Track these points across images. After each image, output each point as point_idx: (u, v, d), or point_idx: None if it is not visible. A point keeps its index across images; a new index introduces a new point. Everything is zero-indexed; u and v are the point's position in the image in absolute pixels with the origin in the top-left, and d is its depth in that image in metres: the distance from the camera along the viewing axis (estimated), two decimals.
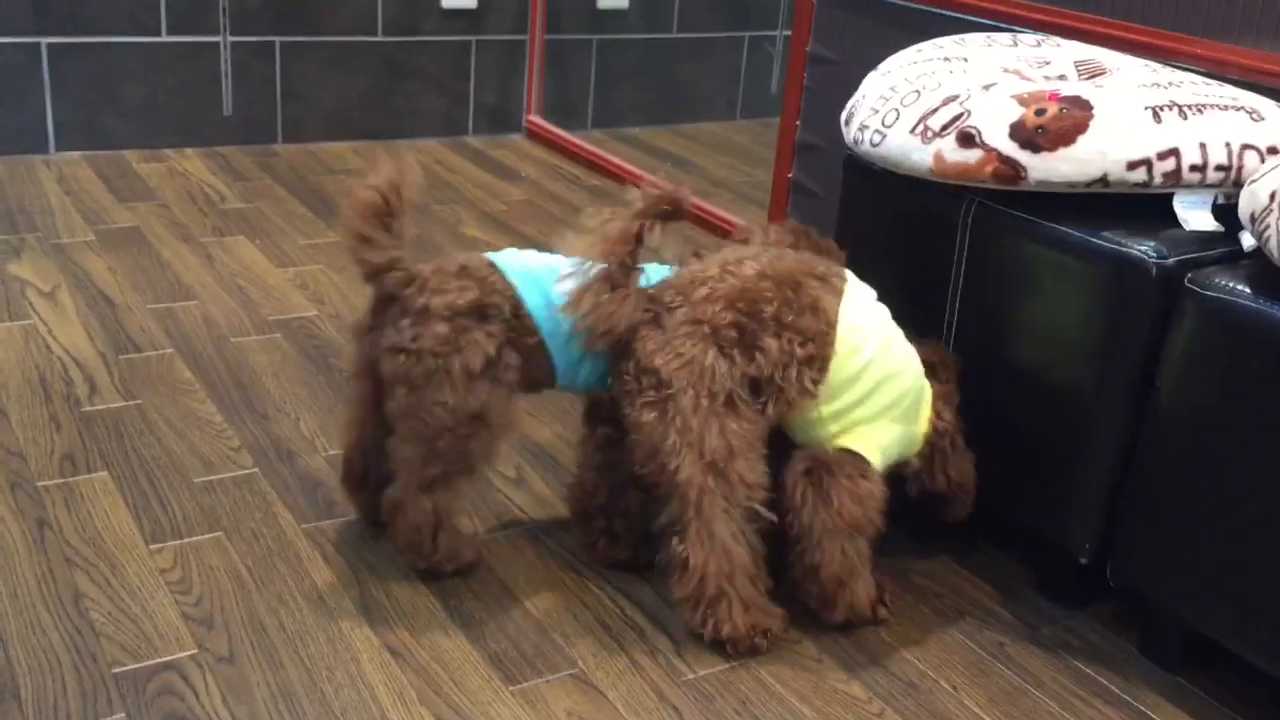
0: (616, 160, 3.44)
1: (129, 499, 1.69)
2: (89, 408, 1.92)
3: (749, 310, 1.46)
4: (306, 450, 1.86)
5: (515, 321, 1.51)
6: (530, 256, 1.59)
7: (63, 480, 1.72)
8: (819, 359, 1.48)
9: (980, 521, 1.77)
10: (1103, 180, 1.53)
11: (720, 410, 1.43)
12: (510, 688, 1.41)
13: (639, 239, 1.45)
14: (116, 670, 1.37)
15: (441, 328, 1.46)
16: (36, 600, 1.47)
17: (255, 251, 2.60)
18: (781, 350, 1.46)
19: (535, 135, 3.69)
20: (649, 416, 1.44)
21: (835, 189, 1.87)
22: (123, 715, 1.31)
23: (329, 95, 3.40)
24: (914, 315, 1.73)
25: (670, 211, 1.47)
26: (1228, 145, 1.54)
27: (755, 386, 1.48)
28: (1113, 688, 1.51)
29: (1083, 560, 1.58)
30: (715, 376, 1.43)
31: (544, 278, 1.54)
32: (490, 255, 1.58)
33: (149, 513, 1.67)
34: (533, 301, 1.52)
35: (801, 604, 1.57)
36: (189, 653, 1.41)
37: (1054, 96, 1.56)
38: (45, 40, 3.00)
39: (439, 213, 2.96)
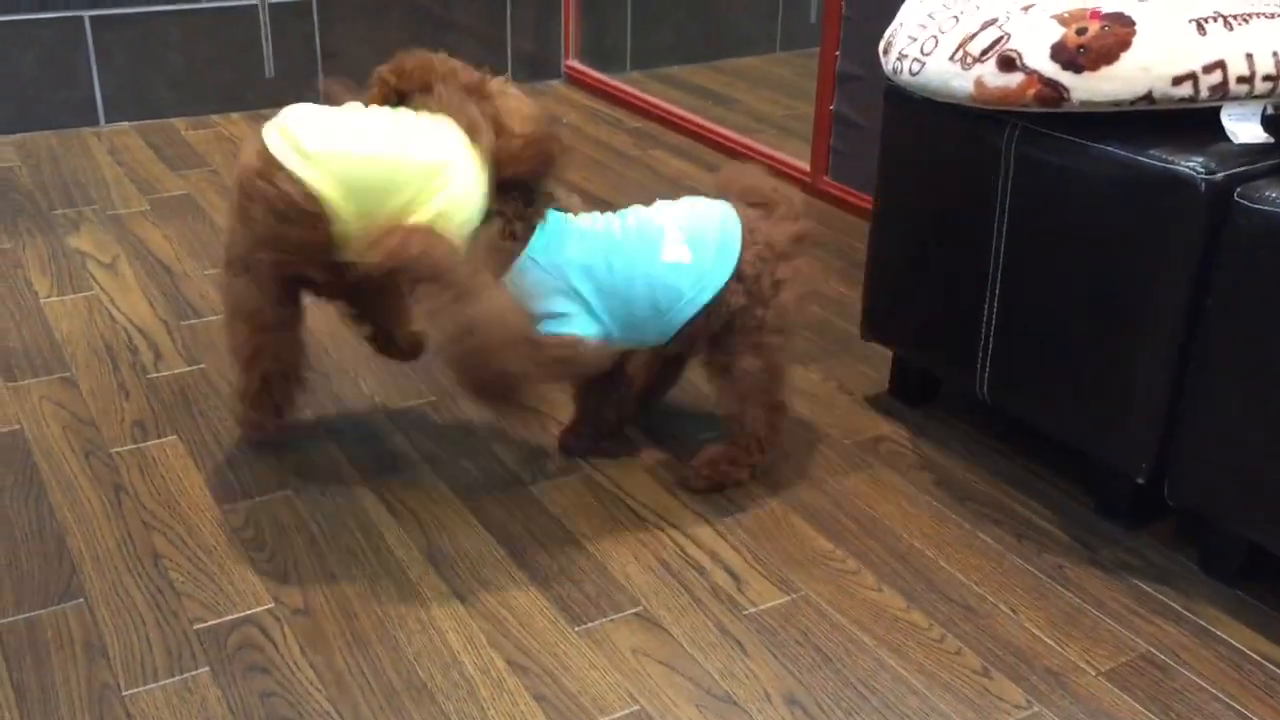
0: (657, 101, 3.42)
1: (200, 461, 1.75)
2: (155, 374, 1.97)
3: None
4: (368, 407, 1.90)
5: None
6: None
7: (135, 446, 1.78)
8: None
9: (1035, 444, 1.78)
10: (1148, 97, 1.51)
11: None
12: (576, 628, 1.45)
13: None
14: (198, 626, 1.43)
15: None
16: (118, 563, 1.53)
17: None
18: None
19: (574, 80, 3.69)
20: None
21: (878, 119, 1.86)
22: (207, 668, 1.36)
23: (367, 51, 3.42)
24: (960, 244, 1.72)
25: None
26: (1275, 54, 1.51)
27: None
28: (1173, 605, 1.52)
29: (1139, 480, 1.58)
30: None
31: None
32: None
33: (219, 474, 1.72)
34: None
35: (854, 532, 1.60)
36: (266, 607, 1.46)
37: (1095, 14, 1.53)
38: (88, 14, 3.04)
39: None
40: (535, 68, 3.67)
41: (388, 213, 1.50)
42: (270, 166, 1.52)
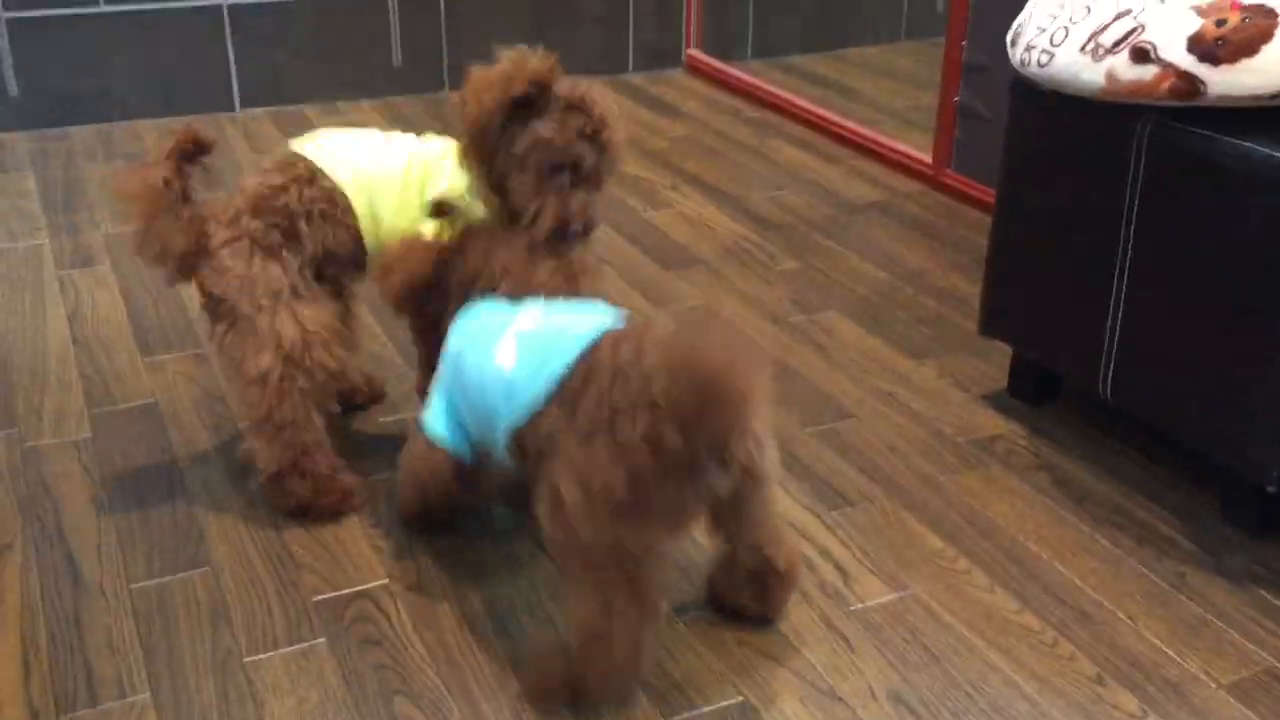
0: (777, 91, 3.40)
1: None
2: None
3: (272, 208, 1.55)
4: None
5: None
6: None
7: None
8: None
9: (1159, 447, 1.73)
10: None
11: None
12: (682, 617, 1.46)
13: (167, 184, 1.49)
14: (316, 598, 1.47)
15: None
16: (243, 533, 1.59)
17: None
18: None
19: (695, 69, 3.68)
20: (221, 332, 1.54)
21: (1004, 111, 1.82)
22: (324, 639, 1.41)
23: (490, 40, 3.45)
24: (1086, 240, 1.68)
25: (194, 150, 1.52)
26: None
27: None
28: None
29: (1270, 488, 1.52)
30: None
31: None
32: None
33: (341, 450, 1.76)
34: None
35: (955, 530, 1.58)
36: (381, 582, 1.50)
37: (1235, 5, 1.48)
38: (227, 3, 3.14)
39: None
40: (657, 57, 3.68)
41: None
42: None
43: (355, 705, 1.32)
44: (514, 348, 1.33)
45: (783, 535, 1.40)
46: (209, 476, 1.70)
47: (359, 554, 1.55)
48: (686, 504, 1.21)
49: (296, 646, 1.40)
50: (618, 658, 1.25)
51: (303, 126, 3.14)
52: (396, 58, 3.37)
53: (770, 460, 1.27)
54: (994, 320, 1.90)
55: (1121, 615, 1.47)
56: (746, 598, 1.42)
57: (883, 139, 3.01)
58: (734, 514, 1.32)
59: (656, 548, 1.24)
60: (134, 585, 1.49)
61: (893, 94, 3.54)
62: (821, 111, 3.22)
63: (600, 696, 1.30)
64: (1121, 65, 1.53)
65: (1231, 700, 1.35)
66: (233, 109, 3.24)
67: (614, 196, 2.70)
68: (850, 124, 3.13)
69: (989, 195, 2.40)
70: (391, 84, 3.39)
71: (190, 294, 2.21)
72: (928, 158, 2.82)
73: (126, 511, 1.63)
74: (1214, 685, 1.37)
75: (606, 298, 1.47)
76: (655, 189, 2.78)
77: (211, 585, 1.49)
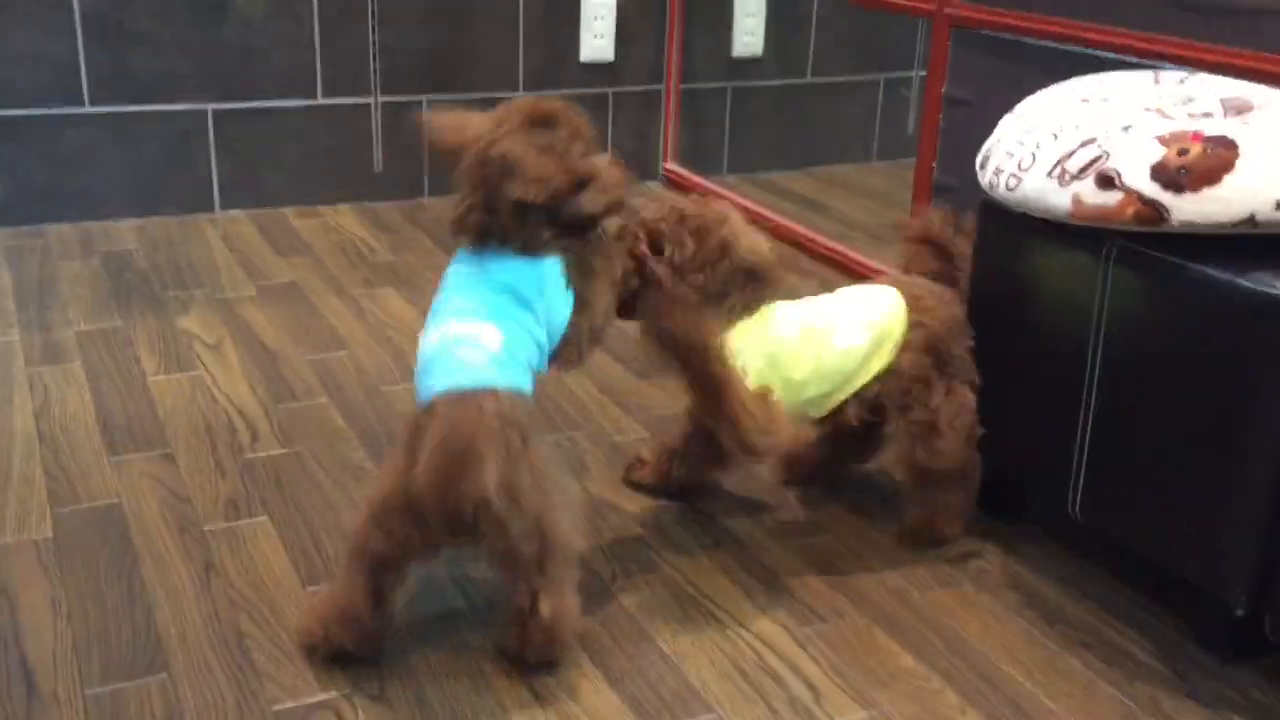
0: (753, 205, 3.46)
1: (288, 543, 1.78)
2: (251, 455, 2.02)
3: None
4: None
5: None
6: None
7: (227, 524, 1.82)
8: None
9: (1130, 567, 1.73)
10: (1250, 220, 1.49)
11: None
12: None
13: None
14: (277, 708, 1.44)
15: None
16: (204, 640, 1.55)
17: (403, 302, 2.71)
18: None
19: (673, 182, 3.75)
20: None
21: (973, 232, 1.86)
22: None
23: None
24: (1054, 360, 1.70)
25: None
26: None
27: None
28: None
29: (1239, 612, 1.52)
30: None
31: None
32: None
33: (306, 556, 1.75)
34: None
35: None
36: (343, 693, 1.47)
37: (1197, 136, 1.53)
38: (211, 106, 3.19)
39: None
40: (635, 169, 3.74)
41: None
42: None
43: None
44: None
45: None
46: (171, 580, 1.67)
47: (322, 663, 1.52)
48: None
49: None
50: None
51: (282, 229, 3.17)
52: (378, 163, 3.42)
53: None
54: None
55: None
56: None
57: (855, 254, 3.06)
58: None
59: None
60: (88, 691, 1.45)
61: (865, 211, 3.61)
62: (795, 226, 3.28)
63: None
64: (1087, 190, 1.57)
65: None
66: (213, 209, 3.27)
67: None
68: (822, 238, 3.18)
69: None
70: (372, 189, 3.43)
71: (160, 393, 2.20)
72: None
73: (85, 614, 1.59)
74: None
75: None
76: None
77: (168, 693, 1.46)
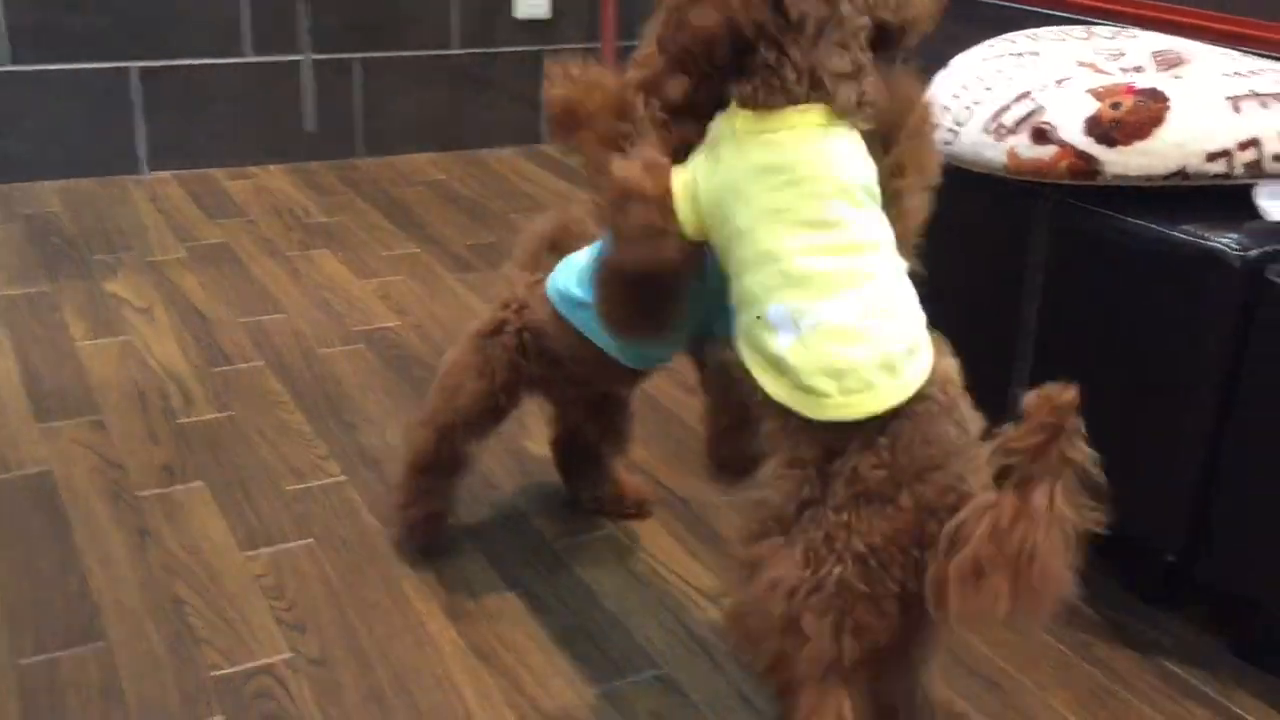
0: None
1: (224, 508, 1.75)
2: (184, 420, 1.99)
3: None
4: (392, 458, 1.90)
5: None
6: None
7: (161, 491, 1.79)
8: None
9: None
10: (1181, 173, 1.51)
11: None
12: (594, 689, 1.43)
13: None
14: (215, 673, 1.42)
15: None
16: (139, 607, 1.53)
17: (338, 264, 2.67)
18: None
19: None
20: None
21: None
22: (221, 717, 1.36)
23: (407, 108, 3.47)
24: (992, 313, 1.72)
25: None
26: None
27: None
28: (1204, 688, 1.49)
29: (1171, 559, 1.56)
30: None
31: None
32: None
33: (243, 521, 1.72)
34: None
35: None
36: (283, 656, 1.46)
37: (1129, 89, 1.54)
38: (136, 64, 3.11)
39: (517, 222, 3.00)
40: None
41: None
42: None
43: None
44: None
45: None
46: (105, 548, 1.64)
47: (261, 627, 1.50)
48: None
49: None
50: None
51: (212, 190, 3.10)
52: (310, 122, 3.35)
53: None
54: None
55: (1029, 683, 1.49)
56: None
57: None
58: None
59: None
60: (21, 661, 1.42)
61: None
62: None
63: None
64: (1023, 145, 1.58)
65: None
66: (140, 171, 3.19)
67: None
68: None
69: None
70: (305, 149, 3.37)
71: (89, 358, 2.15)
72: None
73: (17, 584, 1.56)
74: None
75: None
76: None
77: (104, 661, 1.43)
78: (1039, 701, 1.46)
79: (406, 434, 1.66)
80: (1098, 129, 1.52)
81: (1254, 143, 1.49)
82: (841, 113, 1.12)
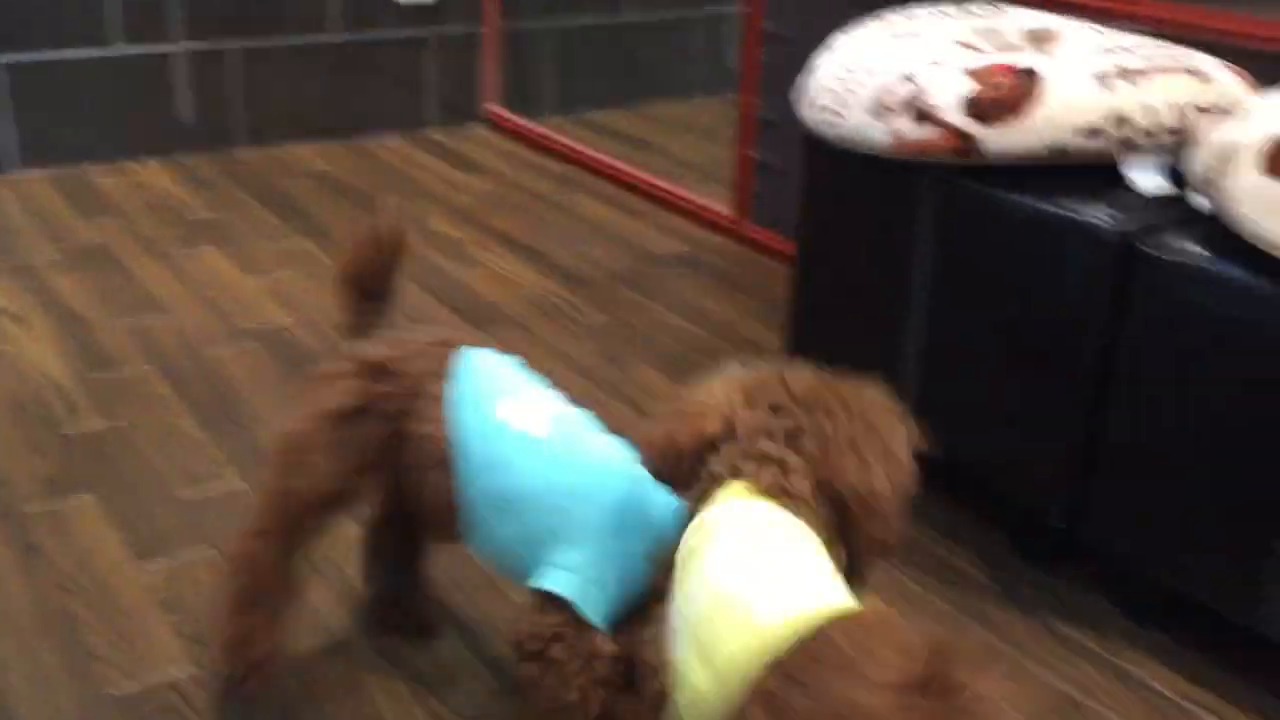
0: (579, 146, 3.44)
1: (116, 519, 1.70)
2: (69, 430, 1.92)
3: None
4: None
5: None
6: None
7: (48, 505, 1.73)
8: None
9: (961, 485, 1.81)
10: (1057, 149, 1.55)
11: None
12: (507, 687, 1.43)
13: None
14: (114, 692, 1.39)
15: None
16: (31, 627, 1.48)
17: (224, 260, 2.61)
18: None
19: (496, 125, 3.70)
20: None
21: (799, 167, 1.89)
22: None
23: (288, 96, 3.40)
24: (880, 290, 1.76)
25: None
26: (1178, 108, 1.57)
27: None
28: (1093, 646, 1.55)
29: (1057, 524, 1.61)
30: None
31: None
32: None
33: (136, 532, 1.68)
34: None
35: None
36: (187, 672, 1.43)
37: (1004, 69, 1.58)
38: (4, 60, 2.98)
39: (404, 208, 2.96)
40: (457, 112, 3.68)
41: None
42: None
43: None
44: None
45: None
46: None
47: (160, 643, 1.47)
48: None
49: None
50: None
51: (87, 188, 3.00)
52: (188, 114, 3.26)
53: None
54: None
55: None
56: None
57: (685, 193, 3.08)
58: None
59: None
60: None
61: (693, 149, 3.63)
62: (624, 166, 3.28)
63: None
64: (906, 125, 1.61)
65: None
66: (8, 170, 3.07)
67: (420, 254, 2.67)
68: (652, 179, 3.19)
69: (789, 246, 2.49)
70: (183, 141, 3.28)
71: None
72: (728, 211, 2.90)
73: None
74: (1012, 713, 1.43)
75: None
76: (462, 245, 2.77)
77: None
78: None
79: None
80: (975, 109, 1.56)
81: (1124, 119, 1.55)
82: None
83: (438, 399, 1.25)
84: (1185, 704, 1.46)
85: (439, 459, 1.24)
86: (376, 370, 1.27)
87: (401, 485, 1.31)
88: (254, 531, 1.31)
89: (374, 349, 1.30)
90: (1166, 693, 1.48)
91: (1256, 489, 1.38)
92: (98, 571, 1.59)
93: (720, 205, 2.94)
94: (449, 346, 1.30)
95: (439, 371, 1.27)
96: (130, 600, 1.54)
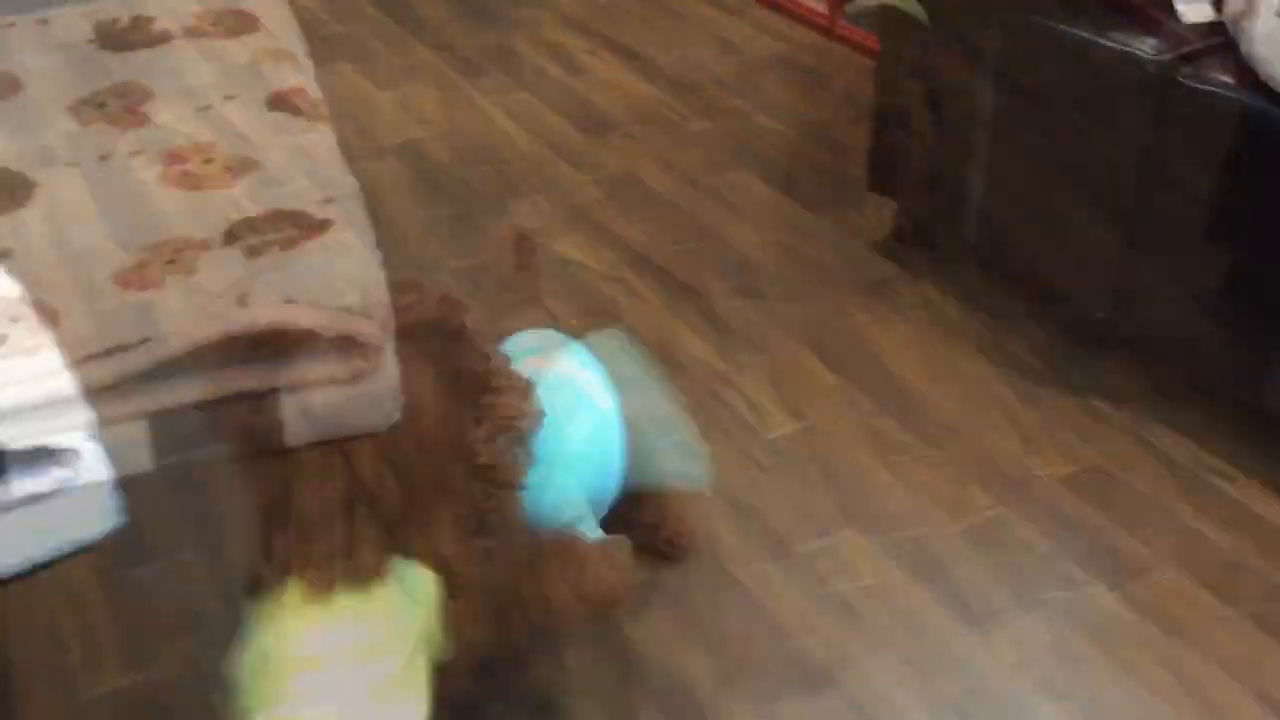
0: None
1: None
2: None
3: None
4: (435, 269, 2.15)
5: None
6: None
7: None
8: None
9: (1020, 286, 2.03)
10: None
11: None
12: None
13: None
14: None
15: None
16: None
17: (357, 76, 2.82)
18: None
19: None
20: None
21: None
22: None
23: None
24: (958, 103, 1.93)
25: None
26: None
27: None
28: (1125, 418, 1.80)
29: (1100, 316, 1.84)
30: None
31: None
32: None
33: None
34: None
35: None
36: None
37: None
38: None
39: (519, 16, 3.12)
40: None
41: None
42: None
43: None
44: None
45: None
46: None
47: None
48: None
49: None
50: None
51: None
52: None
53: None
54: (877, 176, 2.16)
55: (982, 428, 1.80)
56: None
57: None
58: None
59: None
60: None
61: None
62: None
63: None
64: None
65: (1065, 490, 1.69)
66: None
67: (534, 64, 2.86)
68: None
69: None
70: None
71: None
72: (822, 8, 3.01)
73: None
74: (1049, 478, 1.71)
75: None
76: (573, 54, 2.93)
77: None
78: (989, 442, 1.77)
79: None
80: None
81: None
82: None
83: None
84: (1203, 474, 1.71)
85: None
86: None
87: None
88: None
89: None
90: (1187, 464, 1.73)
91: (1268, 287, 1.60)
92: None
93: (814, 1, 3.04)
94: None
95: None
96: None
